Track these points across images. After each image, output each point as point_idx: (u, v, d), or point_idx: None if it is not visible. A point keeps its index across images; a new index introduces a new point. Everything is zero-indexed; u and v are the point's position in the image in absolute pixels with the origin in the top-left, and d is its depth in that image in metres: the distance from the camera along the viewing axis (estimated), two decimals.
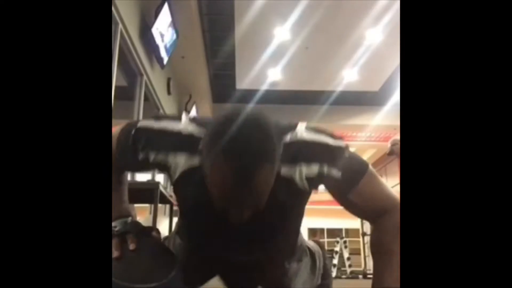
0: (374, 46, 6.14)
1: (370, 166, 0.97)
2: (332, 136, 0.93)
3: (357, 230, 10.99)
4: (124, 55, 4.00)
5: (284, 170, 0.87)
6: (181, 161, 0.90)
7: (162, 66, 4.81)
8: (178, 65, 5.76)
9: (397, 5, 4.72)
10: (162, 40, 4.49)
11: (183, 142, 0.90)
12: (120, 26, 3.59)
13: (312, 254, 1.21)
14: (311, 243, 1.25)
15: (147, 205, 4.12)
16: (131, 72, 4.43)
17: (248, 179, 0.73)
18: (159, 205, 2.81)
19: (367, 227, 6.96)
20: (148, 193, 2.70)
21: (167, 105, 5.64)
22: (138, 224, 0.99)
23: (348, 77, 7.15)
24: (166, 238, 1.23)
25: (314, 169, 0.88)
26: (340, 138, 0.94)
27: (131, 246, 0.91)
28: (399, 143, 4.19)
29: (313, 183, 0.90)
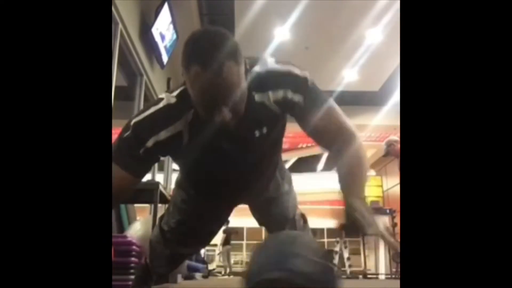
0: (374, 46, 6.14)
1: (332, 99, 1.08)
2: (299, 68, 1.04)
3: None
4: (124, 55, 4.00)
5: (257, 96, 1.00)
6: (184, 125, 1.01)
7: (162, 66, 4.80)
8: (178, 65, 5.74)
9: (397, 5, 4.72)
10: (162, 40, 4.49)
11: (176, 110, 1.01)
12: (120, 26, 3.59)
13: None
14: None
15: (147, 205, 4.12)
16: (131, 72, 4.43)
17: (215, 76, 0.85)
18: (159, 205, 2.81)
19: None
20: (148, 193, 2.70)
21: None
22: None
23: (348, 77, 7.15)
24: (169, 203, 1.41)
25: (279, 93, 1.01)
26: (305, 70, 1.05)
27: None
28: (394, 143, 4.15)
29: (281, 106, 1.03)
